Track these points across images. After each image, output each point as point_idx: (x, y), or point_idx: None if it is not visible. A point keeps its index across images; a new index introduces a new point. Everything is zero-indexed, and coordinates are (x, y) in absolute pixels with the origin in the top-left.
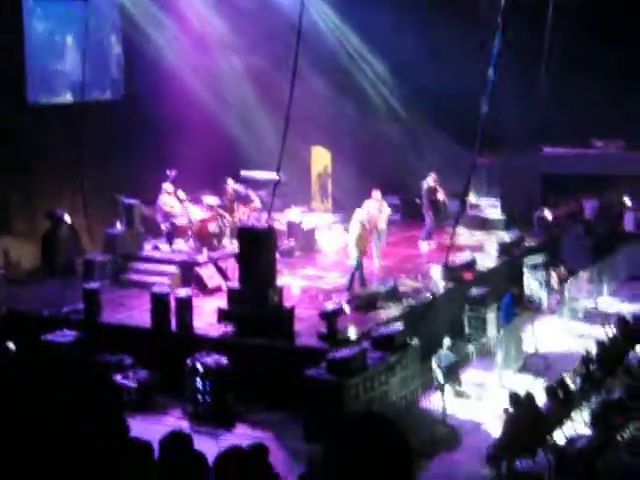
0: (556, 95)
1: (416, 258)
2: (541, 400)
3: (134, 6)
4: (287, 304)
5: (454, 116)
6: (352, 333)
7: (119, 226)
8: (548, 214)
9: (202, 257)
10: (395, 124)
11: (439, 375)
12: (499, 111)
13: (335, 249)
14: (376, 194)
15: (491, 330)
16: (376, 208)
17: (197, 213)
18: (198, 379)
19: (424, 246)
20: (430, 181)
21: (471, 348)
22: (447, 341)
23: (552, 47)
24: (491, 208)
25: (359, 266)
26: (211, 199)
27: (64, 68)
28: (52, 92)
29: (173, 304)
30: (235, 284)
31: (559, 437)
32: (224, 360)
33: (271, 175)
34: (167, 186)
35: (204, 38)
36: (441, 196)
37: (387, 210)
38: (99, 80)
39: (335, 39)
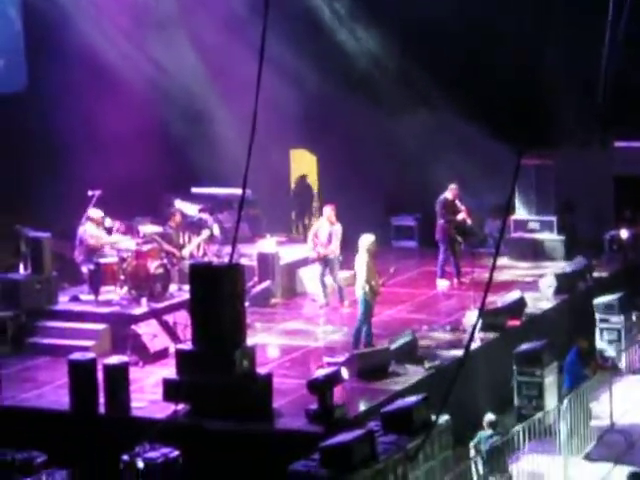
0: (632, 70)
1: (441, 301)
2: None
3: None
4: (262, 371)
5: (488, 100)
6: (354, 409)
7: (22, 269)
8: (624, 233)
9: (140, 309)
10: (405, 115)
11: (479, 465)
12: (552, 90)
13: (328, 291)
14: (328, 211)
15: (550, 400)
16: (327, 231)
17: (132, 248)
18: None
19: (443, 284)
20: (449, 194)
21: (523, 426)
22: (489, 417)
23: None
24: (544, 227)
25: (367, 313)
26: (151, 228)
27: None
28: None
29: (101, 377)
30: (188, 345)
31: None
32: (175, 453)
33: (234, 192)
34: (90, 212)
35: (137, 11)
36: (462, 216)
37: (338, 233)
38: None
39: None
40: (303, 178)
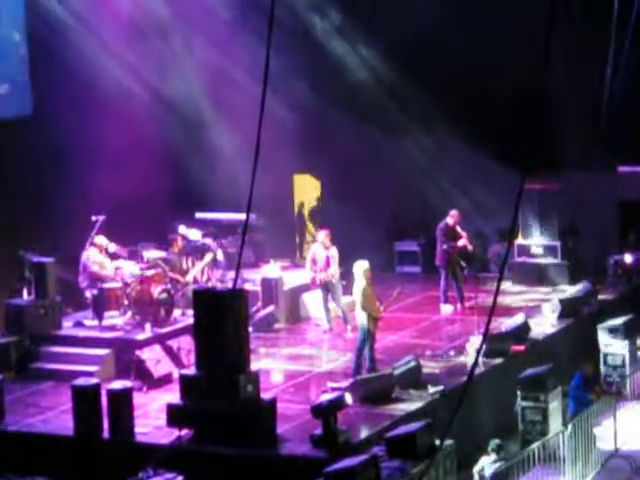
0: (635, 94)
1: (445, 326)
2: None
3: None
4: (266, 396)
5: (492, 124)
6: (358, 435)
7: (26, 295)
8: (628, 258)
9: (144, 335)
10: (409, 139)
11: None
12: (556, 115)
13: (331, 316)
14: (322, 236)
15: (554, 425)
16: (323, 256)
17: (136, 273)
18: None
19: (446, 309)
20: (449, 220)
21: (527, 451)
22: (494, 442)
23: (623, 30)
24: (548, 252)
25: (368, 338)
26: (154, 253)
27: None
28: None
29: (105, 402)
30: (192, 371)
31: None
32: (179, 479)
33: (238, 217)
34: (93, 237)
35: (140, 26)
36: (463, 242)
37: (335, 256)
38: None
39: (321, 21)
40: (312, 203)
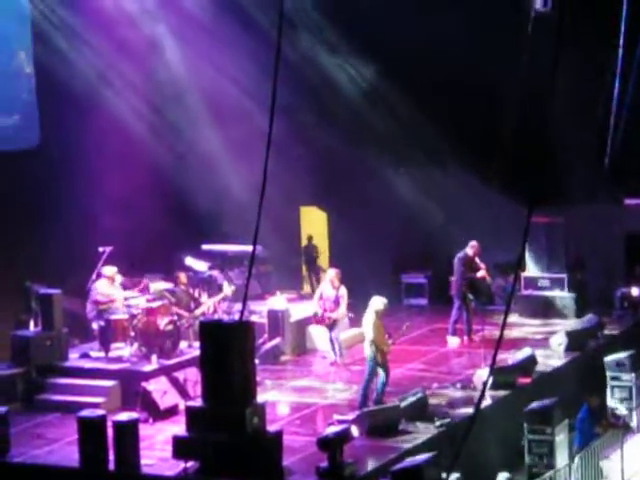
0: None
1: (452, 358)
2: None
3: (47, 17)
4: (272, 429)
5: (498, 157)
6: (364, 467)
7: (32, 326)
8: (635, 291)
9: (151, 366)
10: (416, 172)
11: None
12: (562, 148)
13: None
14: (332, 274)
15: (561, 458)
16: (332, 295)
17: (142, 304)
18: None
19: (453, 342)
20: (469, 251)
21: None
22: (502, 475)
23: (629, 61)
24: (555, 285)
25: (375, 371)
26: (160, 285)
27: None
28: None
29: (111, 433)
30: (198, 402)
31: None
32: None
33: (244, 249)
34: (102, 268)
35: (148, 58)
36: (482, 273)
37: (345, 296)
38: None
39: (329, 48)
40: (319, 236)
